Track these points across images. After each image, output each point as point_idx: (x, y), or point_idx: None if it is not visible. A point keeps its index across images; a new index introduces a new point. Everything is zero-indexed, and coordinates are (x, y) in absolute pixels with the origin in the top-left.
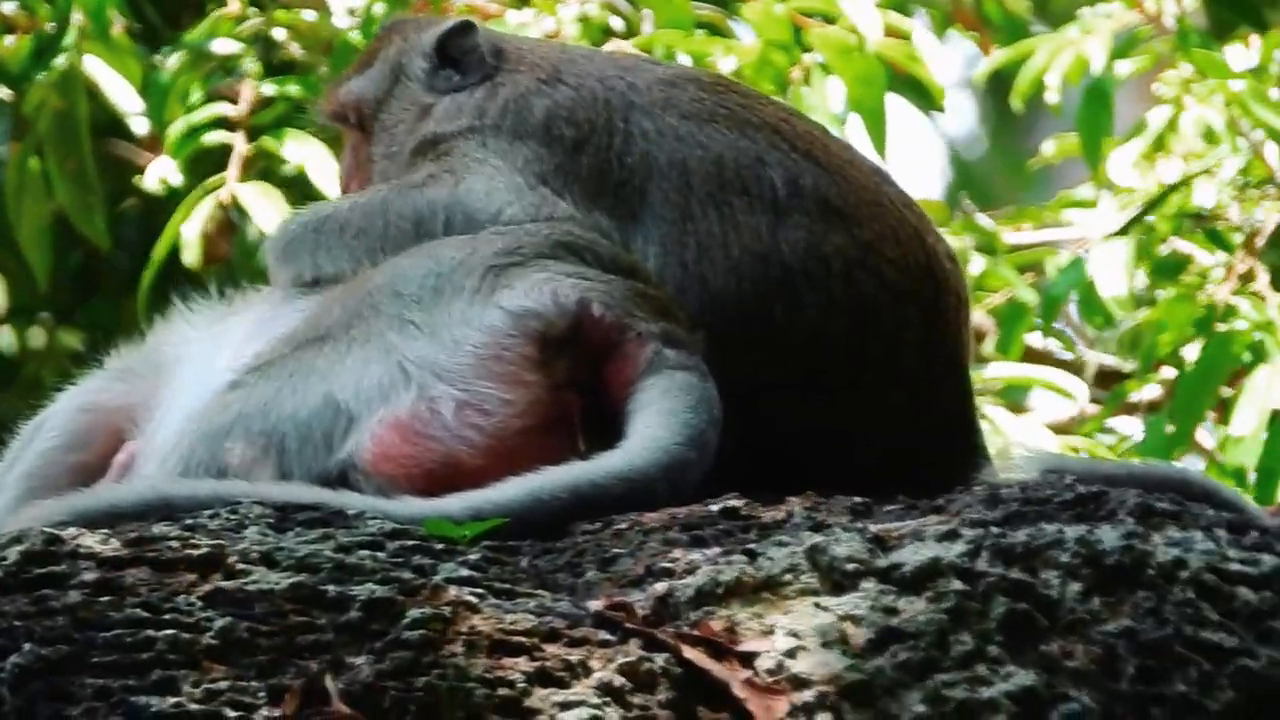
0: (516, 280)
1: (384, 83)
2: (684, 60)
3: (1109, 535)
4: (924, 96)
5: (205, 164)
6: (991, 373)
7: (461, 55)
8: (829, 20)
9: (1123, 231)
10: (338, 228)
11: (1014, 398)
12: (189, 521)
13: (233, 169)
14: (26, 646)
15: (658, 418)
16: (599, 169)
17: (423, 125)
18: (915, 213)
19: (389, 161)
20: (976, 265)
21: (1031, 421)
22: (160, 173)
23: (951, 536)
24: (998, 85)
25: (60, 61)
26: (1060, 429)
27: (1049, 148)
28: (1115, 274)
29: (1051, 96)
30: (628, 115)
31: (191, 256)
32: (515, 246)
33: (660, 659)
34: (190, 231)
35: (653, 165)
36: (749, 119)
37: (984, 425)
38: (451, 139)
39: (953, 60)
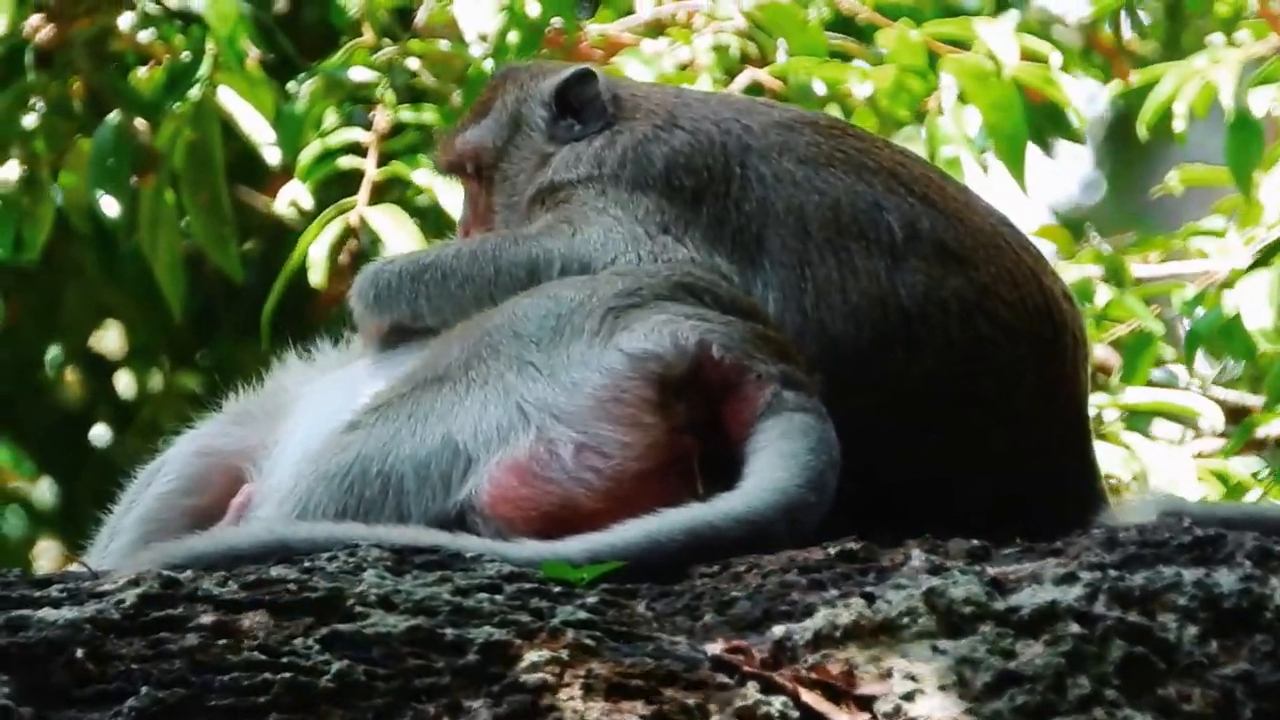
0: (636, 322)
1: (502, 132)
2: (818, 87)
3: (1226, 578)
4: (1059, 126)
5: (336, 190)
6: (1125, 399)
7: (581, 104)
8: (964, 46)
9: (1264, 261)
10: (441, 275)
11: (1138, 425)
12: (307, 564)
13: (363, 193)
14: (144, 689)
15: (776, 459)
16: (718, 216)
17: (542, 174)
18: (1032, 254)
19: (509, 210)
20: (1102, 296)
21: (1169, 450)
22: (291, 196)
23: (1069, 579)
24: (1117, 131)
25: (194, 93)
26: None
27: (1173, 178)
28: (1260, 305)
29: (1179, 125)
30: (745, 160)
31: (318, 276)
32: (635, 288)
33: (778, 702)
34: (317, 252)
35: (770, 211)
36: (865, 163)
37: (1120, 452)
38: (570, 187)
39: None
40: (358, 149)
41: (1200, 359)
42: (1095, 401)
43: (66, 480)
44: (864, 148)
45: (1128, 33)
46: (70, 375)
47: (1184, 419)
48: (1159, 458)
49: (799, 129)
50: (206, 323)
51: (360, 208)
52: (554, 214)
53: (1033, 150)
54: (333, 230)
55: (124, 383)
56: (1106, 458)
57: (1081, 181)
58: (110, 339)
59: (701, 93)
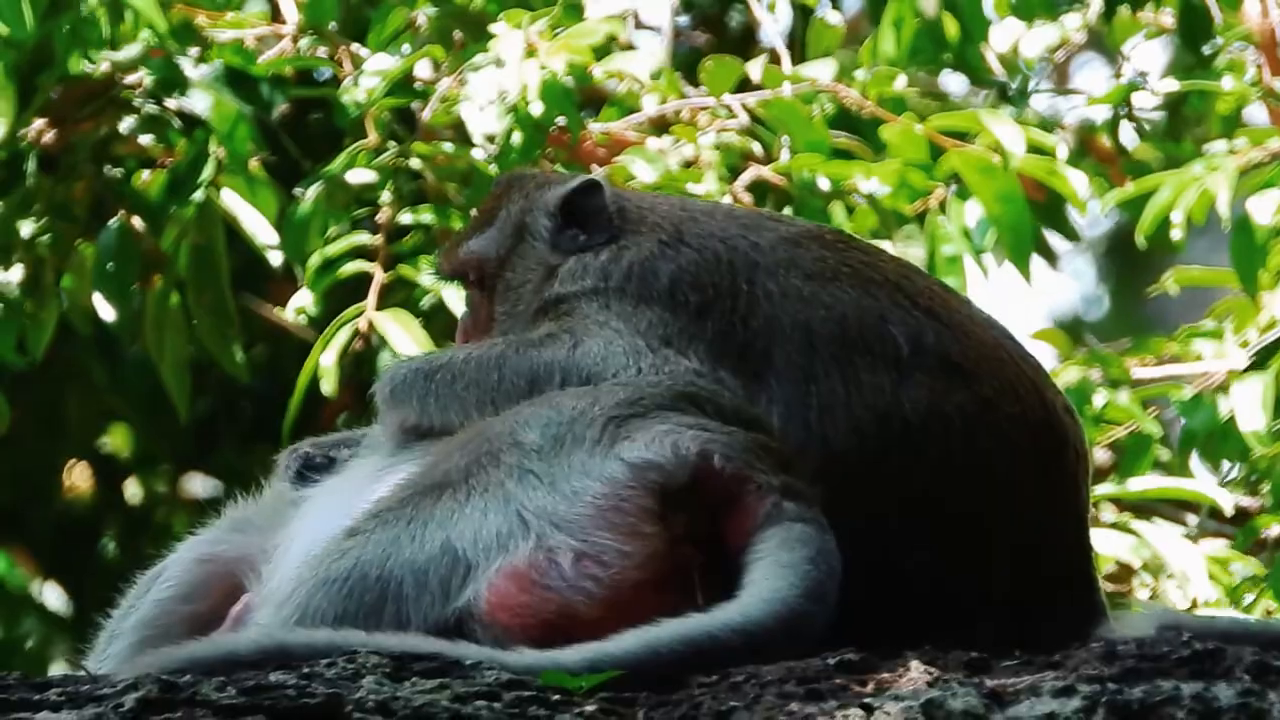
0: (637, 432)
1: (506, 241)
2: (823, 183)
3: (1225, 692)
4: (1058, 225)
5: (342, 294)
6: (1134, 486)
7: (587, 215)
8: (966, 138)
9: (1259, 365)
10: (450, 377)
11: (1142, 516)
12: (305, 670)
13: (372, 297)
14: None
15: (775, 569)
16: (724, 332)
17: (547, 286)
18: (1032, 366)
19: (511, 320)
20: (1100, 399)
21: (1175, 536)
22: (299, 304)
23: (1068, 692)
24: (1118, 245)
25: (198, 195)
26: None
27: (1168, 279)
28: (1253, 408)
29: (1176, 234)
30: (751, 277)
31: (330, 386)
32: (637, 398)
33: None
34: (328, 360)
35: (777, 327)
36: (872, 276)
37: (1130, 540)
38: (574, 300)
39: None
40: (364, 252)
41: (1194, 463)
42: (1103, 490)
43: (76, 585)
44: (869, 261)
45: (1128, 139)
46: (77, 480)
47: (1196, 505)
48: (1169, 545)
49: (805, 244)
50: (211, 428)
51: (369, 312)
52: (557, 324)
53: (1036, 259)
54: (342, 337)
55: (131, 489)
56: (1117, 545)
57: (1084, 297)
58: (116, 443)
59: (708, 205)
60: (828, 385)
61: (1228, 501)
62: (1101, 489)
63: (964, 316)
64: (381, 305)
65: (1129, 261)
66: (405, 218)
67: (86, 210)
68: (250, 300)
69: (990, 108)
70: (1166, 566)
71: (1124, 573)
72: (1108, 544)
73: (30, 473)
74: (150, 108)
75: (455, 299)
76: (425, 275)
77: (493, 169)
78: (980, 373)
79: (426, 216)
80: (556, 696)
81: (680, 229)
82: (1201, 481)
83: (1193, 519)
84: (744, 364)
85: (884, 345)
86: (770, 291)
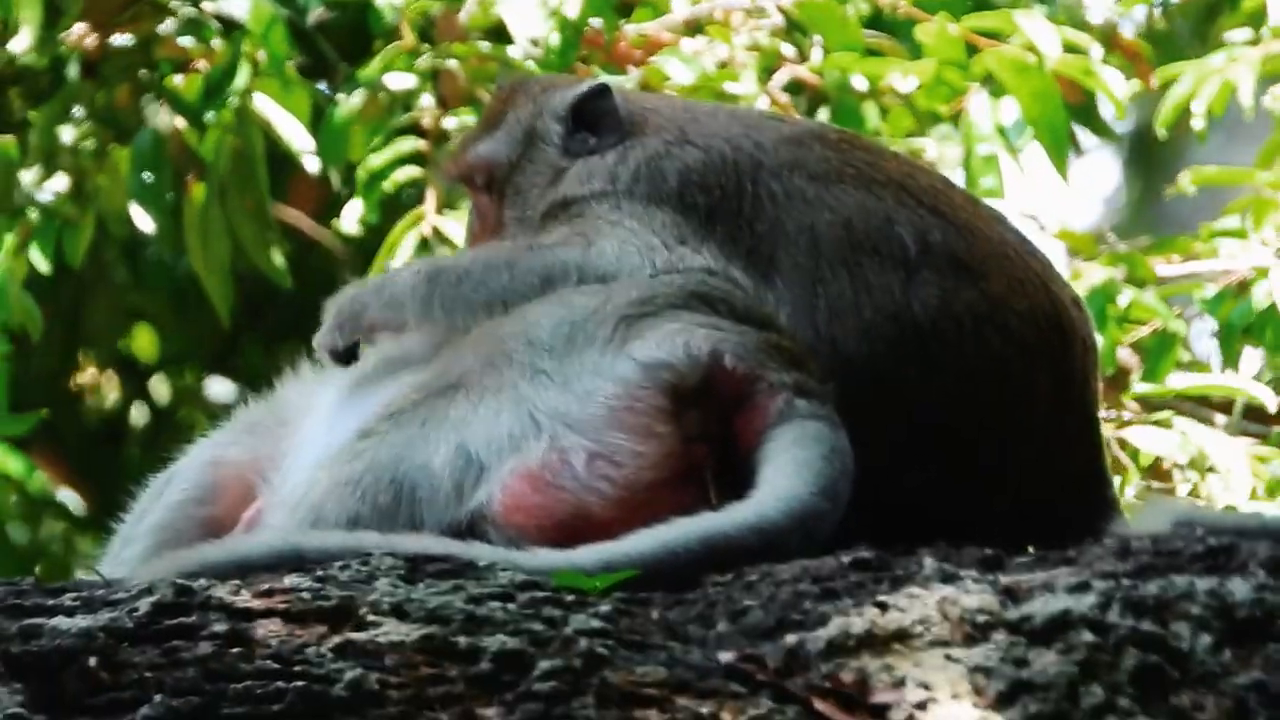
0: (649, 331)
1: (515, 146)
2: (858, 82)
3: (1240, 588)
4: (1090, 123)
5: (388, 203)
6: (1175, 383)
7: (596, 118)
8: (1001, 39)
9: None
10: (455, 279)
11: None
12: (320, 573)
13: (429, 202)
14: (157, 698)
15: (789, 467)
16: (731, 235)
17: (555, 188)
18: (1040, 260)
19: (520, 224)
20: (1124, 298)
21: (1218, 433)
22: (355, 215)
23: (1082, 588)
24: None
25: (233, 100)
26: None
27: (1185, 179)
28: None
29: (1197, 124)
30: (756, 177)
31: None
32: (649, 296)
33: (791, 711)
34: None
35: (782, 230)
36: (875, 176)
37: (1175, 437)
38: (584, 202)
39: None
40: (415, 158)
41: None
42: (1141, 389)
43: (100, 489)
44: (872, 160)
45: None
46: (103, 382)
47: (1233, 402)
48: (1213, 442)
49: (808, 144)
50: (236, 330)
51: (430, 218)
52: (569, 226)
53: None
54: (409, 244)
55: (159, 389)
56: (1160, 442)
57: (1106, 198)
58: (140, 346)
59: (710, 106)
60: (835, 288)
61: (1270, 398)
62: (1139, 387)
63: (970, 213)
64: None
65: (1152, 163)
66: (449, 121)
67: (127, 115)
68: (275, 206)
69: (1023, 6)
70: (1209, 462)
71: (1161, 471)
72: (1150, 440)
73: (56, 376)
74: (188, 10)
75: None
76: (438, 177)
77: (532, 69)
78: (988, 270)
79: (470, 118)
80: (571, 597)
81: (684, 129)
82: (1241, 378)
83: (1221, 419)
84: (751, 267)
85: (891, 246)
86: (775, 193)
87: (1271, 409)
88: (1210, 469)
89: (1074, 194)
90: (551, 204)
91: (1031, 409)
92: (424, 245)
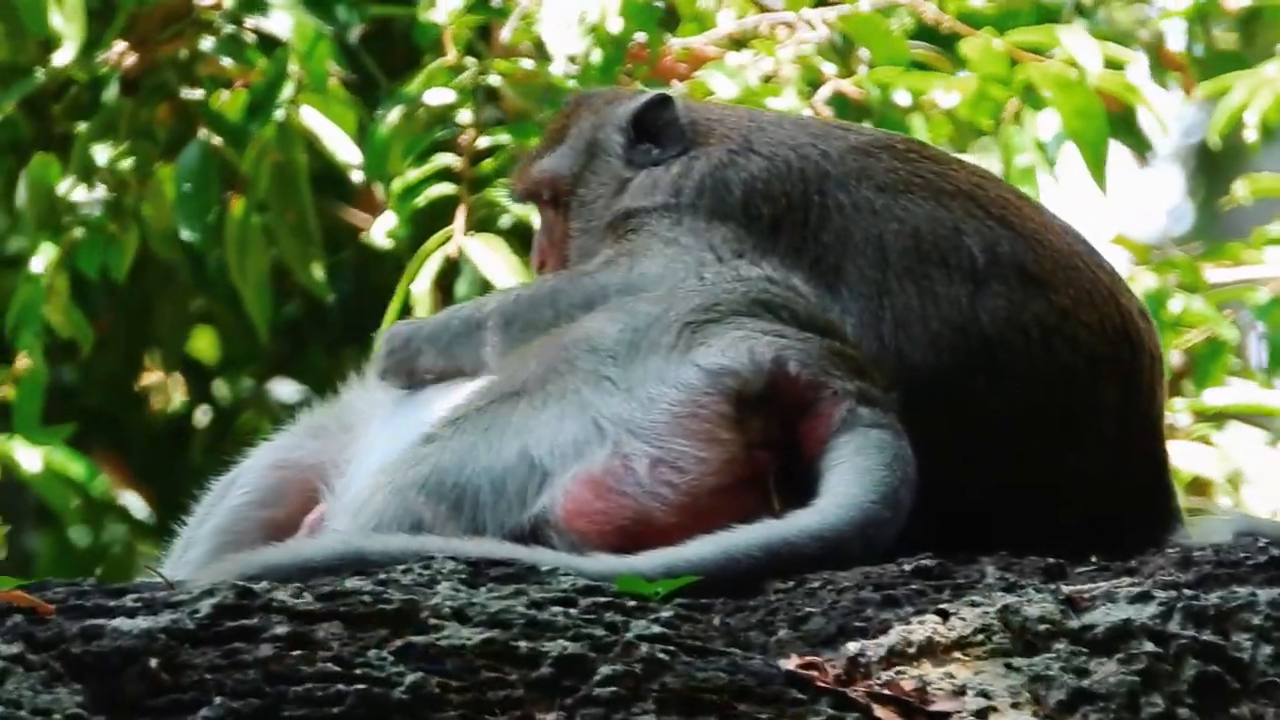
0: (713, 338)
1: (579, 159)
2: (901, 97)
3: None
4: (1137, 140)
5: (426, 216)
6: (1210, 399)
7: (659, 129)
8: (1043, 53)
9: None
10: (502, 323)
11: (1218, 426)
12: (382, 576)
13: (459, 222)
14: (217, 700)
15: (852, 475)
16: (795, 246)
17: (619, 200)
18: (1107, 272)
19: (586, 235)
20: (1176, 304)
21: (1256, 448)
22: (386, 228)
23: (1144, 598)
24: (1205, 159)
25: (278, 114)
26: None
27: (1241, 188)
28: None
29: (1250, 135)
30: (823, 188)
31: (423, 312)
32: (712, 303)
33: (851, 718)
34: (420, 288)
35: (849, 241)
36: (944, 186)
37: (1212, 453)
38: (645, 215)
39: (1168, 118)
40: (447, 175)
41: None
42: (1179, 404)
43: (163, 491)
44: (941, 170)
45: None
46: (168, 385)
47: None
48: (1250, 458)
49: (876, 154)
50: (299, 332)
51: (458, 238)
52: (618, 246)
53: (1121, 175)
54: (433, 264)
55: (219, 390)
56: (1198, 459)
57: (1169, 211)
58: (203, 348)
59: (776, 115)
60: (902, 299)
61: None
62: (1179, 402)
63: (1038, 224)
64: (467, 228)
65: (1216, 175)
66: (485, 140)
67: (168, 132)
68: (337, 206)
69: (1065, 21)
70: (1245, 478)
71: (1202, 485)
72: (1187, 457)
73: (122, 378)
74: (230, 28)
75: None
76: (506, 196)
77: (572, 86)
78: (1056, 282)
79: (506, 137)
80: (632, 602)
81: (750, 138)
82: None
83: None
84: (815, 278)
85: (959, 257)
86: (842, 204)
87: None
88: (1248, 485)
89: (1138, 204)
90: (615, 215)
91: (1098, 420)
92: (449, 266)
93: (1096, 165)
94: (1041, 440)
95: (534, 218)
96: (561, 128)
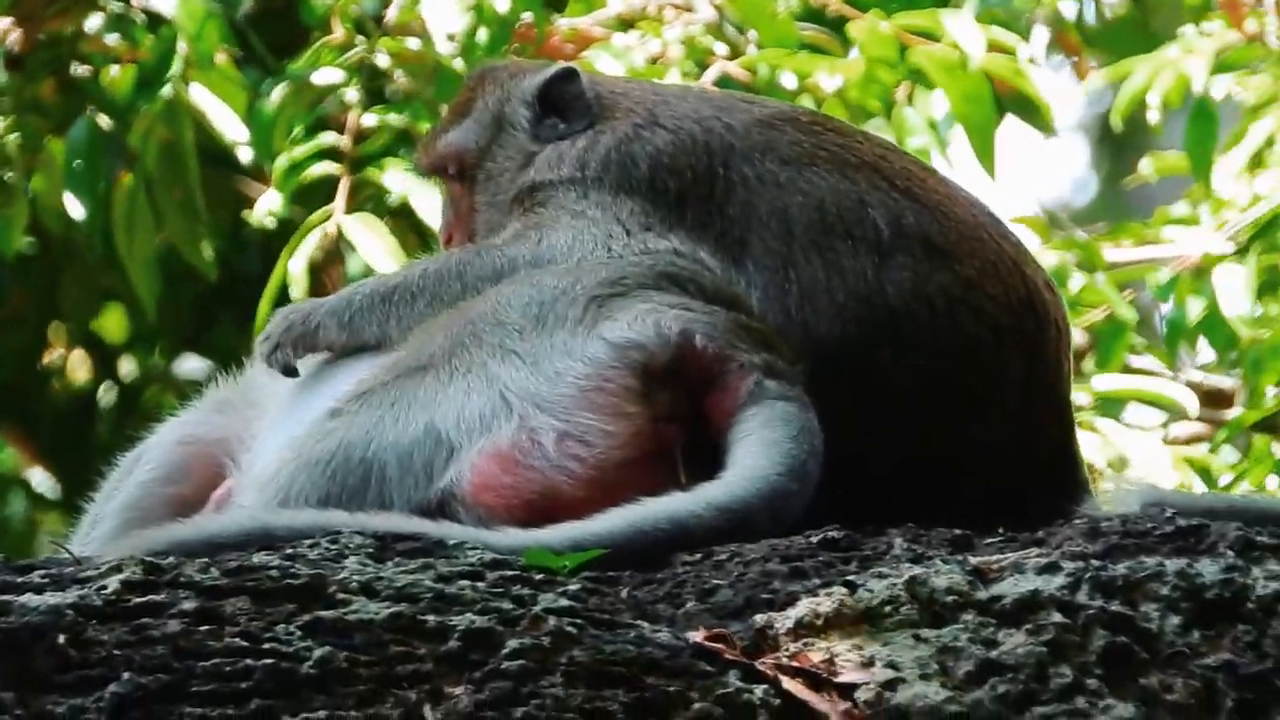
0: (619, 311)
1: (485, 132)
2: (788, 79)
3: (1209, 569)
4: (1035, 116)
5: (314, 194)
6: (1101, 385)
7: (565, 103)
8: (933, 38)
9: (1241, 251)
10: (410, 295)
11: (1112, 411)
12: (289, 551)
13: (339, 201)
14: (125, 675)
15: (758, 448)
16: (701, 220)
17: (525, 174)
18: (1012, 243)
19: (492, 209)
20: (1076, 282)
21: (1144, 437)
22: (268, 206)
23: (1051, 569)
24: (1108, 131)
25: (165, 91)
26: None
27: (1146, 167)
28: (1238, 294)
29: (1153, 116)
30: (728, 161)
31: (299, 291)
32: (619, 277)
33: (760, 690)
34: (297, 267)
35: (754, 215)
36: (848, 159)
37: (1094, 438)
38: (551, 188)
39: (1066, 97)
40: (330, 154)
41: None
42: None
43: (70, 465)
44: (845, 143)
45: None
46: (73, 361)
47: (1161, 406)
48: (1134, 445)
49: (780, 127)
50: (208, 307)
51: (337, 216)
52: (525, 219)
53: (1024, 146)
54: (312, 241)
55: (127, 367)
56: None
57: (1074, 181)
58: (110, 326)
59: (680, 88)
60: (808, 272)
61: (1191, 402)
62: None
63: (943, 196)
64: (349, 207)
65: (1121, 147)
66: (370, 119)
67: (56, 108)
68: (240, 180)
69: (954, 8)
70: (1129, 464)
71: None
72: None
73: (27, 354)
74: (116, 5)
75: (421, 202)
76: (391, 177)
77: (458, 65)
78: (961, 253)
79: (393, 116)
80: (540, 576)
81: (654, 112)
82: (1164, 382)
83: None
84: (721, 251)
85: (864, 229)
86: (746, 177)
87: (1193, 413)
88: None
89: (1041, 175)
90: (521, 189)
91: (1004, 391)
92: (327, 243)
93: (984, 150)
94: (947, 411)
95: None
96: (466, 101)
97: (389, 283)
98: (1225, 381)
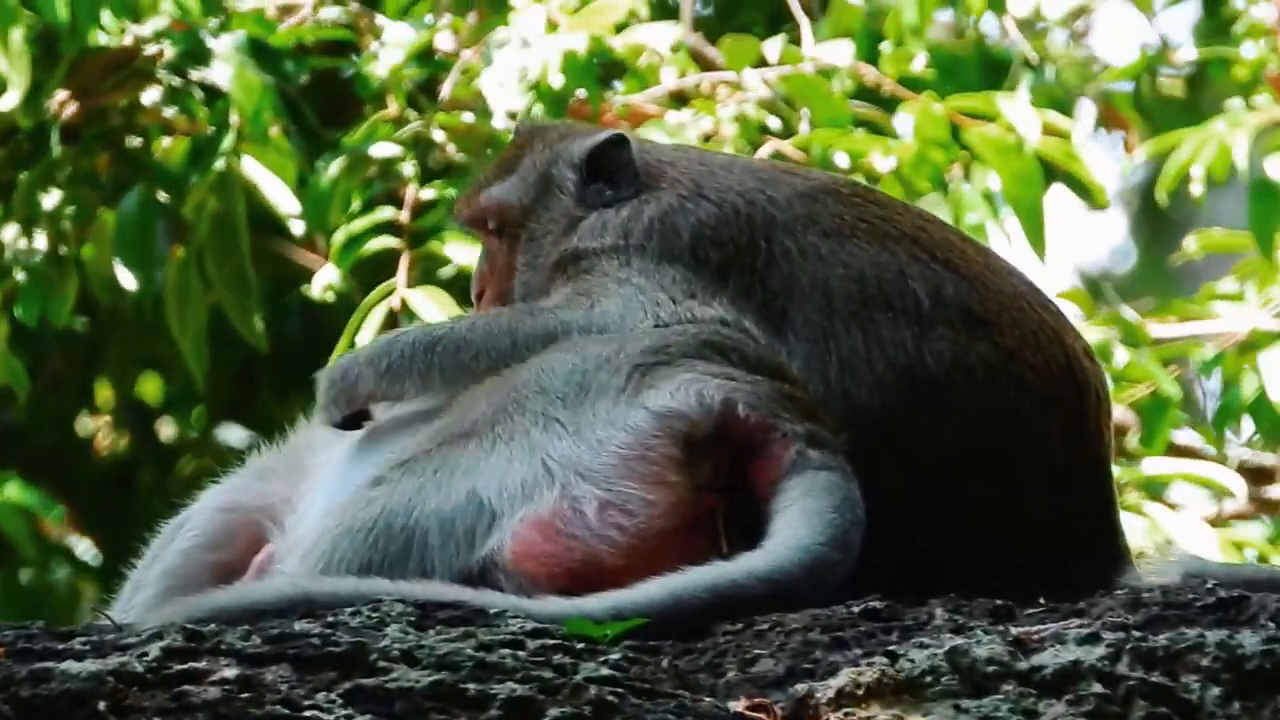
0: (662, 380)
1: (529, 191)
2: (841, 160)
3: (1250, 640)
4: (1084, 193)
5: (368, 266)
6: (1148, 468)
7: (613, 169)
8: (987, 119)
9: None
10: (455, 348)
11: (1155, 492)
12: (330, 619)
13: (401, 274)
14: None
15: (800, 517)
16: (743, 291)
17: (568, 239)
18: (1053, 313)
19: (530, 270)
20: (1120, 358)
21: (1190, 518)
22: (326, 280)
23: (1092, 639)
24: (1149, 202)
25: (219, 164)
26: (1212, 524)
27: (1191, 243)
28: None
29: (1196, 189)
30: (770, 234)
31: None
32: (662, 345)
33: None
34: (364, 341)
35: (795, 287)
36: (889, 230)
37: (1141, 521)
38: (594, 256)
39: (1110, 169)
40: (388, 227)
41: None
42: (1117, 472)
43: (110, 532)
44: (885, 215)
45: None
46: (114, 427)
47: (1207, 487)
48: (1181, 528)
49: (822, 200)
50: (251, 374)
51: (401, 290)
52: (574, 285)
53: (1065, 214)
54: (377, 316)
55: (166, 429)
56: (1128, 528)
57: (1113, 250)
58: (151, 391)
59: (725, 158)
60: (848, 343)
61: (1239, 486)
62: (1116, 470)
63: (982, 266)
64: (409, 281)
65: (1160, 218)
66: (428, 193)
67: (109, 180)
68: (285, 246)
69: (1007, 89)
70: (1175, 546)
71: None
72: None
73: (67, 421)
74: (173, 79)
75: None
76: (453, 249)
77: None
78: (1001, 323)
79: (450, 190)
80: (581, 645)
81: (699, 183)
82: (1209, 465)
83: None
84: (763, 323)
85: (904, 300)
86: (788, 250)
87: (1240, 496)
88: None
89: (1084, 243)
90: (563, 254)
91: (1045, 460)
92: (392, 319)
93: (1034, 231)
94: (989, 482)
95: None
96: (513, 158)
97: (434, 333)
98: (1268, 458)
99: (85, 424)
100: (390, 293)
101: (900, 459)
